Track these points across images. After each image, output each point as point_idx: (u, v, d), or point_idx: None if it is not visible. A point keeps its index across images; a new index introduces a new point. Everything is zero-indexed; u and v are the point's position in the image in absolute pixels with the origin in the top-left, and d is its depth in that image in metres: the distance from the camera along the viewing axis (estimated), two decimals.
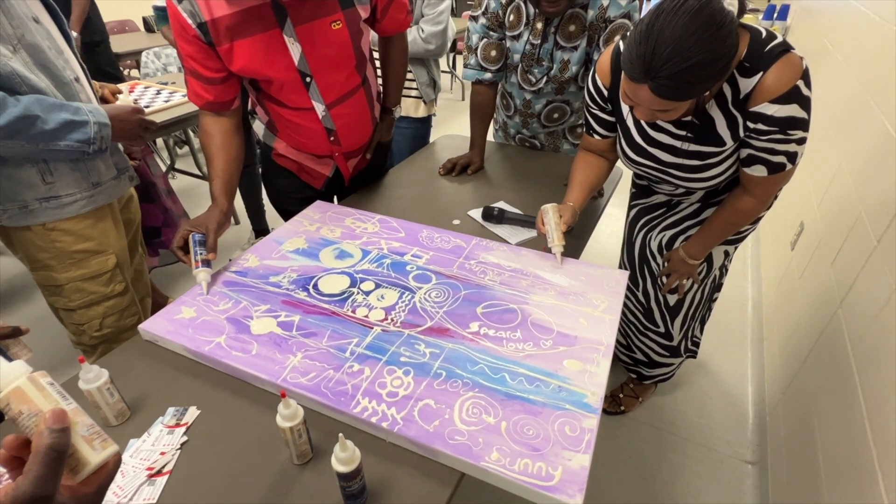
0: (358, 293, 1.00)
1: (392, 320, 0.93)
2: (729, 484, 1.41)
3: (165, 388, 0.83)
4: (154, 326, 0.91)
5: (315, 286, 1.02)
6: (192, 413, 0.79)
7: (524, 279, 1.05)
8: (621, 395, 1.63)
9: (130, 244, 1.28)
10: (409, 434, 0.72)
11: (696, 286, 1.32)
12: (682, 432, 1.56)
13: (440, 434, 0.72)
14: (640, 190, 1.36)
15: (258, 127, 1.31)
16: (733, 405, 1.65)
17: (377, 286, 1.02)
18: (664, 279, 1.33)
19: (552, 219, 1.10)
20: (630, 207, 1.41)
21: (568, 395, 0.78)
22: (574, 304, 0.98)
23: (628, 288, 1.44)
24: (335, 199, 1.49)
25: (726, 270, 1.40)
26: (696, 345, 1.57)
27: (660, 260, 1.33)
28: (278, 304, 0.97)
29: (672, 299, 1.36)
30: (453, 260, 1.11)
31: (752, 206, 1.08)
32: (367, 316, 0.94)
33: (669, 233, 1.29)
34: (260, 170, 1.72)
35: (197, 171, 3.06)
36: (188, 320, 0.93)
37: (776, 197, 1.12)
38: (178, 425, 0.77)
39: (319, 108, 1.15)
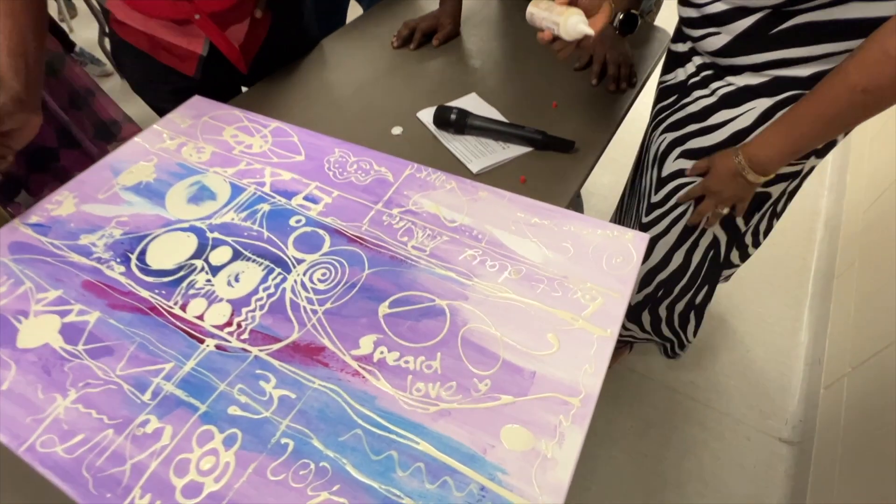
0: (201, 270, 0.63)
1: (239, 326, 0.58)
2: (755, 468, 1.12)
3: None
4: None
5: (142, 254, 0.66)
6: None
7: (471, 247, 0.64)
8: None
9: None
10: None
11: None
12: (703, 396, 1.24)
13: None
14: (669, 59, 0.85)
15: None
16: (776, 364, 1.30)
17: (235, 256, 0.65)
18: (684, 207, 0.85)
19: (539, 10, 0.65)
20: (657, 85, 0.91)
21: None
22: (544, 299, 0.58)
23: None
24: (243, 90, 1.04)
25: (758, 231, 0.91)
26: (681, 346, 1.10)
27: (654, 174, 0.87)
28: (76, 290, 0.62)
29: (654, 231, 0.91)
30: (367, 207, 0.70)
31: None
32: (202, 316, 0.59)
33: (670, 136, 0.82)
34: None
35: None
36: None
37: None
38: None
39: None
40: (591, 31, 0.61)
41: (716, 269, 0.93)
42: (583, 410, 0.49)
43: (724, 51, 0.68)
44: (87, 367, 0.55)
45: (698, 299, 0.98)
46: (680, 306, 1.01)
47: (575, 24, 0.62)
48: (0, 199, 1.23)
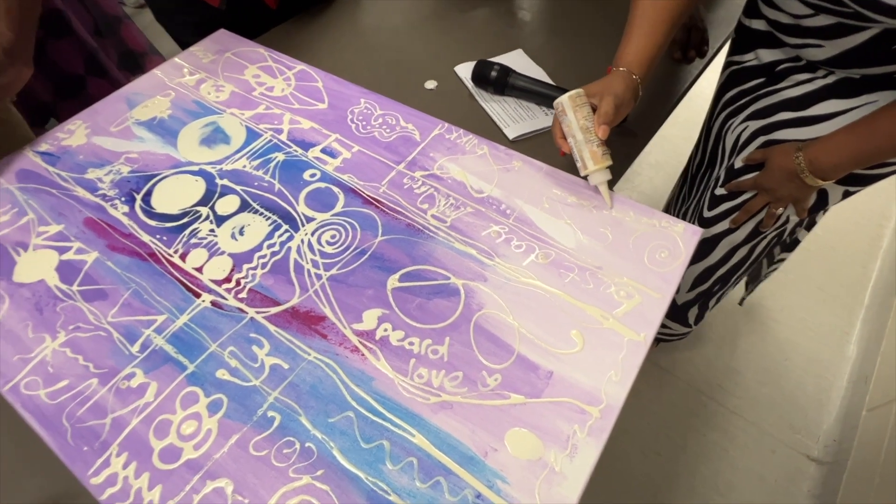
0: (206, 218, 0.59)
1: (238, 284, 0.54)
2: (776, 483, 1.06)
3: None
4: None
5: (148, 195, 0.62)
6: None
7: (497, 222, 0.57)
8: None
9: None
10: None
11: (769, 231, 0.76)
12: (731, 401, 1.16)
13: None
14: (743, 36, 0.72)
15: None
16: (816, 377, 1.20)
17: (242, 206, 0.60)
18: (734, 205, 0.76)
19: (575, 120, 0.56)
20: (724, 66, 0.79)
21: None
22: (573, 290, 0.51)
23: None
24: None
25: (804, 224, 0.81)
26: (701, 317, 1.01)
27: (735, 163, 0.75)
28: (77, 226, 0.59)
29: (711, 231, 0.81)
30: (388, 167, 0.64)
31: None
32: (201, 268, 0.55)
33: (755, 125, 0.70)
34: None
35: None
36: None
37: None
38: None
39: None
40: (609, 202, 0.58)
41: (776, 245, 0.83)
42: (602, 423, 0.43)
43: (832, 62, 0.58)
44: (79, 310, 0.52)
45: (741, 272, 0.90)
46: (728, 291, 0.93)
47: (598, 182, 0.57)
48: (29, 125, 1.21)
